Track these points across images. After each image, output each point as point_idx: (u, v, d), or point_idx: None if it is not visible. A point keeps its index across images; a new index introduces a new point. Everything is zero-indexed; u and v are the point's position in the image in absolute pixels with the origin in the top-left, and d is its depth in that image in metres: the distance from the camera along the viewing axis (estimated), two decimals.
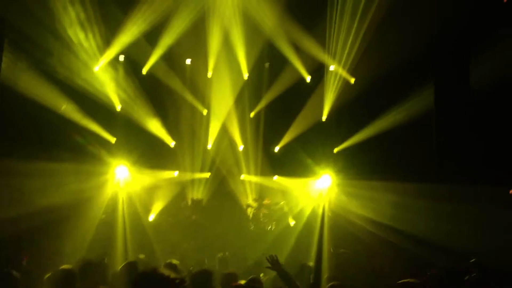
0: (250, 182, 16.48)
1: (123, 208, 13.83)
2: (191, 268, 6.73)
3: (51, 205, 11.66)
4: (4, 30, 12.39)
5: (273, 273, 8.21)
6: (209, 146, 16.56)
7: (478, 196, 11.30)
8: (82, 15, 13.41)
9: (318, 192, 14.87)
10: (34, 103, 12.89)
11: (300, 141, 15.84)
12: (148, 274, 2.83)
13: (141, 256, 10.28)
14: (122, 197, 14.20)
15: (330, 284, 4.46)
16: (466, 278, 6.20)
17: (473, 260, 7.40)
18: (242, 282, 6.43)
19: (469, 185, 11.49)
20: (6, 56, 12.56)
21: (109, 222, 13.32)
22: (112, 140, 15.21)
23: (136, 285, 2.80)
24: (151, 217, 14.76)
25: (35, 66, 12.96)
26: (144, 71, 15.45)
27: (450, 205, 11.48)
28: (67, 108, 13.95)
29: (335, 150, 15.44)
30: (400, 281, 3.87)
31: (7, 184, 11.44)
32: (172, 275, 2.85)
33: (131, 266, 5.85)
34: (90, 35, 13.86)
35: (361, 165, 13.97)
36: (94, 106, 14.39)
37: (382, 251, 11.27)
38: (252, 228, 14.94)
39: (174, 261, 7.85)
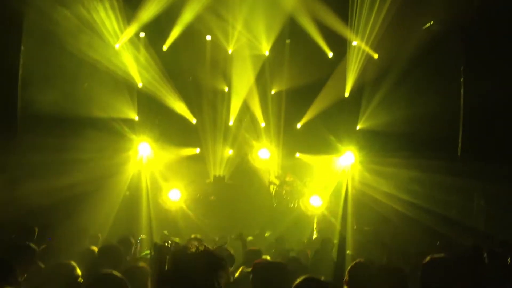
0: (272, 159, 16.48)
1: (146, 185, 13.94)
2: (216, 239, 6.73)
3: (76, 181, 11.82)
4: (24, 8, 12.40)
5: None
6: (231, 123, 16.57)
7: (505, 175, 11.10)
8: None
9: (341, 169, 14.78)
10: (57, 81, 12.97)
11: (323, 117, 15.75)
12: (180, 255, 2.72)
13: (165, 232, 10.40)
14: (145, 174, 14.32)
15: (356, 261, 4.41)
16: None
17: (501, 239, 7.34)
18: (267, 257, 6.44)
19: (495, 163, 11.28)
20: (27, 35, 12.61)
21: (133, 198, 13.46)
22: (134, 117, 15.30)
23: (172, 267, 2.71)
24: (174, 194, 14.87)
25: (56, 44, 12.98)
26: (165, 48, 15.41)
27: (476, 184, 11.31)
28: (89, 86, 14.04)
29: (358, 126, 15.31)
30: (430, 257, 3.79)
31: (33, 160, 11.58)
32: (201, 247, 2.74)
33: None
34: (111, 13, 13.83)
35: (384, 141, 13.82)
36: (116, 83, 14.45)
37: (406, 229, 11.19)
38: (275, 205, 14.97)
39: (199, 236, 7.92)
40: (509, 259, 6.17)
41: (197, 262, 2.61)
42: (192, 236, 8.27)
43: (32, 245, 4.97)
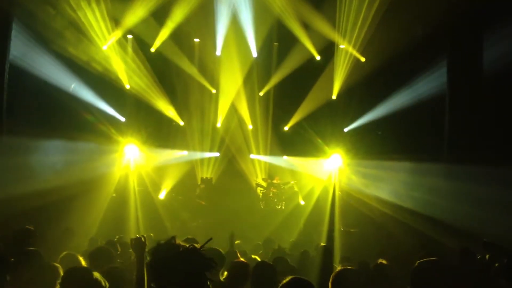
0: (259, 161, 16.53)
1: (134, 187, 13.92)
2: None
3: (62, 183, 11.74)
4: (13, 10, 12.31)
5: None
6: (218, 125, 16.58)
7: (490, 177, 11.23)
8: None
9: (328, 171, 14.88)
10: (44, 82, 12.90)
11: (310, 120, 15.81)
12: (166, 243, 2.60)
13: (151, 234, 10.36)
14: (132, 176, 14.29)
15: (341, 268, 4.39)
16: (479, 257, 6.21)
17: (484, 240, 7.42)
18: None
19: (480, 165, 11.41)
20: (15, 36, 12.51)
21: (120, 200, 13.41)
22: (122, 118, 15.26)
23: (153, 256, 2.59)
24: (161, 196, 14.86)
25: (44, 45, 12.91)
26: (153, 49, 15.38)
27: (461, 185, 11.43)
28: (76, 87, 13.96)
29: (345, 129, 15.42)
30: (421, 260, 3.83)
31: (17, 162, 11.49)
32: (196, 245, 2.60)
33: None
34: (98, 14, 13.77)
35: (371, 144, 13.92)
36: (103, 84, 14.39)
37: (392, 230, 11.28)
38: (262, 207, 15.00)
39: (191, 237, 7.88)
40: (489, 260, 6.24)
41: (182, 259, 2.47)
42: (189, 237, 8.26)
43: (37, 250, 4.87)
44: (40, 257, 4.58)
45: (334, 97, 15.57)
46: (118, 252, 6.39)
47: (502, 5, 11.81)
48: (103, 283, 3.37)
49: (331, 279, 4.01)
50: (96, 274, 3.40)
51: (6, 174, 11.09)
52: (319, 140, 15.27)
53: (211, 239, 2.66)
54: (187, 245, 2.52)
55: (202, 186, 15.55)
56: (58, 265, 4.41)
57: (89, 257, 4.97)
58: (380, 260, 5.53)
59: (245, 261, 5.19)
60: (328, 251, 6.87)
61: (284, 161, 16.24)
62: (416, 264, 3.78)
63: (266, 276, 4.28)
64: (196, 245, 2.53)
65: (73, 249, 6.49)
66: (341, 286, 3.95)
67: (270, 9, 14.67)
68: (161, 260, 2.48)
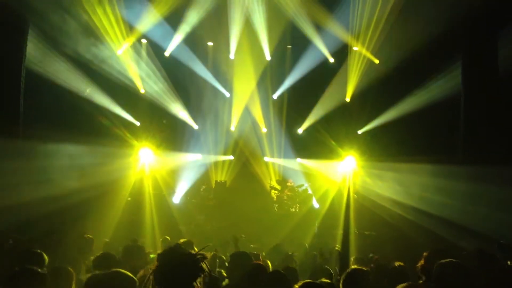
0: (273, 164, 16.53)
1: (149, 190, 13.99)
2: (215, 252, 6.71)
3: (78, 187, 11.83)
4: (29, 15, 12.46)
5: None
6: (232, 128, 16.63)
7: (506, 178, 11.08)
8: None
9: (342, 174, 14.81)
10: (60, 87, 13.04)
11: (324, 122, 15.78)
12: (170, 251, 2.69)
13: (167, 237, 10.41)
14: (147, 179, 14.36)
15: (351, 268, 4.37)
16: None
17: (500, 241, 7.33)
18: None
19: (496, 167, 11.27)
20: (31, 41, 12.66)
21: (135, 204, 13.47)
22: (137, 122, 15.36)
23: (160, 262, 2.66)
24: (176, 199, 14.92)
25: (59, 50, 13.05)
26: (167, 53, 15.48)
27: (477, 187, 11.30)
28: (91, 92, 14.08)
29: (359, 131, 15.35)
30: (441, 261, 3.79)
31: (34, 166, 11.60)
32: (192, 251, 2.74)
33: None
34: (113, 19, 13.90)
35: (385, 146, 13.83)
36: (118, 89, 14.51)
37: (408, 233, 11.17)
38: (276, 210, 14.98)
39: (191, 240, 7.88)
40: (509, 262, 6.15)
41: (177, 263, 2.65)
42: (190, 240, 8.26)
43: (44, 254, 4.90)
44: (43, 259, 4.62)
45: (347, 99, 15.54)
46: (147, 253, 6.42)
47: None
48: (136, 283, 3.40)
49: (342, 279, 4.00)
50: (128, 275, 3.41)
51: (22, 178, 11.20)
52: (333, 143, 15.22)
53: (207, 245, 2.86)
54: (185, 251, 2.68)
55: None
56: (71, 269, 4.42)
57: (92, 262, 4.99)
58: (397, 263, 5.48)
59: (262, 263, 5.17)
60: (343, 256, 6.85)
61: (298, 163, 16.22)
62: (438, 264, 3.75)
63: (280, 284, 4.26)
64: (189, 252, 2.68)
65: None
66: (353, 286, 3.95)
67: (283, 12, 14.69)
68: (159, 267, 2.66)
